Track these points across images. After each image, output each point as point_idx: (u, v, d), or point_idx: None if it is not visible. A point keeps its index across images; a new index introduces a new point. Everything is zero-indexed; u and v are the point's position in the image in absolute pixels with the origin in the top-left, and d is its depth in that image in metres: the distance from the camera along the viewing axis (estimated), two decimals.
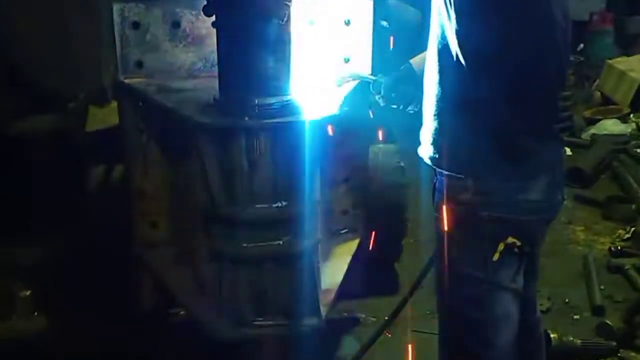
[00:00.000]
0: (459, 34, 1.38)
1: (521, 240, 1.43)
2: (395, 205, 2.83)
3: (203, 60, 2.36)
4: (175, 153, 2.19)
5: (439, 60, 1.46)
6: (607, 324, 2.52)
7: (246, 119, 1.77)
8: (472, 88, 1.40)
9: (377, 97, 1.86)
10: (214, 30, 2.27)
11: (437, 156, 1.50)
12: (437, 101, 1.47)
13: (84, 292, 2.84)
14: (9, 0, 6.08)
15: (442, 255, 1.52)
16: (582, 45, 8.17)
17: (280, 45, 1.79)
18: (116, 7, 2.26)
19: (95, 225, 2.75)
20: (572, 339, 2.43)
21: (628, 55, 7.00)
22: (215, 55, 1.99)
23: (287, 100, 1.82)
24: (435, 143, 1.49)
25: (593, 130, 5.16)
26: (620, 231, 3.55)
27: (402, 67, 1.83)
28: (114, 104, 3.02)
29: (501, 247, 1.41)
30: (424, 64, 1.72)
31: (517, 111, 1.43)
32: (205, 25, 2.32)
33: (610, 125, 5.14)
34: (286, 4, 1.76)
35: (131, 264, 2.42)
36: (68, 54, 6.12)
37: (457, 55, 1.40)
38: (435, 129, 1.48)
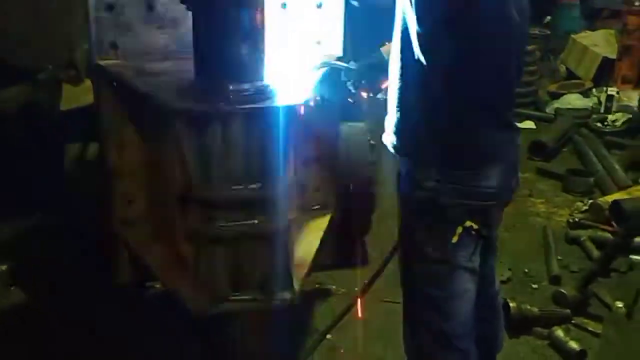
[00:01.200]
0: (419, 35, 1.46)
1: (478, 224, 1.55)
2: (364, 181, 2.93)
3: (177, 42, 2.41)
4: (151, 134, 2.25)
5: (401, 57, 1.54)
6: (562, 292, 2.68)
7: (221, 104, 1.84)
8: (431, 84, 1.50)
9: (348, 83, 1.94)
10: (189, 13, 2.34)
11: (399, 145, 1.60)
12: (399, 94, 1.56)
13: (60, 267, 2.91)
14: None
15: (405, 236, 1.63)
16: (548, 17, 8.31)
17: (255, 32, 1.85)
18: None
19: (72, 201, 2.80)
20: (529, 307, 2.59)
21: (593, 30, 7.16)
22: (189, 38, 2.05)
23: (261, 86, 1.89)
24: (398, 133, 1.59)
25: (557, 104, 5.32)
26: (578, 203, 3.72)
27: (372, 55, 1.91)
28: (88, 82, 3.05)
29: (459, 230, 1.52)
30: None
31: (475, 104, 1.52)
32: (180, 8, 2.33)
33: (574, 100, 5.31)
34: None
35: (108, 239, 2.50)
36: (37, 25, 6.05)
37: (417, 55, 1.48)
38: (398, 120, 1.58)
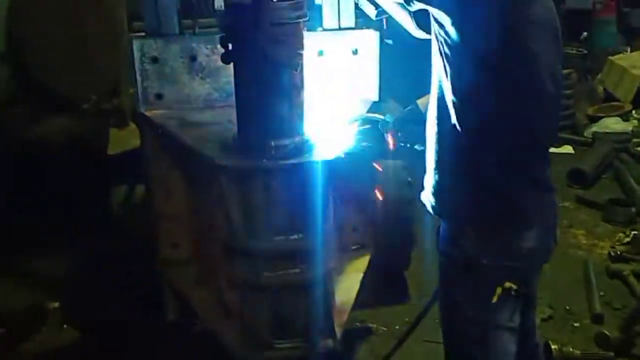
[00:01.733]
0: (455, 105, 1.51)
1: (517, 284, 1.56)
2: (404, 219, 2.96)
3: (219, 91, 2.50)
4: (196, 184, 2.33)
5: (438, 122, 1.58)
6: (604, 334, 2.65)
7: (264, 160, 1.91)
8: (466, 149, 1.54)
9: (385, 135, 1.98)
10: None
11: (437, 206, 1.63)
12: (437, 157, 1.60)
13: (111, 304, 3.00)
14: (25, 8, 6.21)
15: (444, 295, 1.65)
16: (585, 34, 8.25)
17: (294, 90, 1.92)
18: (136, 44, 2.39)
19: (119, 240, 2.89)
20: (571, 349, 2.57)
21: (631, 47, 7.08)
22: (229, 86, 2.13)
23: (300, 141, 1.95)
24: (436, 194, 1.63)
25: (595, 128, 5.26)
26: (620, 234, 3.67)
27: (408, 108, 1.96)
28: (133, 126, 3.17)
29: (499, 291, 1.54)
30: (427, 103, 1.84)
31: (510, 168, 1.55)
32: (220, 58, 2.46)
33: (612, 123, 5.24)
34: (299, 54, 1.88)
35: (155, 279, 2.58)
36: (82, 56, 6.27)
37: (453, 121, 1.52)
38: (436, 182, 1.62)
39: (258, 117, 1.92)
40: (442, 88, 1.54)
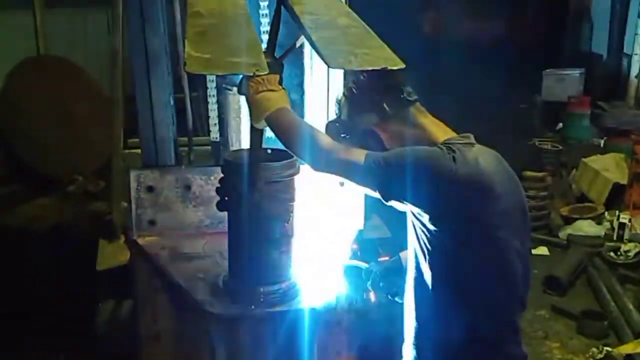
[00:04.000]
0: (432, 269, 1.62)
1: None
2: None
3: (210, 218, 2.60)
4: (184, 320, 2.39)
5: (415, 291, 1.70)
6: None
7: (252, 307, 2.00)
8: (442, 324, 1.64)
9: (367, 283, 2.08)
10: None
11: None
12: (415, 333, 1.71)
13: None
14: (13, 91, 6.34)
15: None
16: (560, 124, 8.62)
17: (285, 239, 2.03)
18: (133, 174, 2.50)
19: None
20: None
21: (604, 143, 7.39)
22: (221, 214, 2.22)
23: (288, 286, 2.05)
24: None
25: (569, 230, 5.43)
26: (593, 349, 3.76)
27: (391, 259, 2.06)
28: (122, 239, 3.24)
29: None
30: None
31: (484, 345, 1.66)
32: (214, 188, 2.57)
33: (586, 226, 5.42)
34: (291, 207, 2.01)
35: None
36: (68, 136, 6.36)
37: (431, 286, 1.64)
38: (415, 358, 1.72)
39: (249, 264, 2.02)
40: (418, 263, 1.66)
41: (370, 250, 2.71)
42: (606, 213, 5.70)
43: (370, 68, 1.52)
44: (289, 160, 1.97)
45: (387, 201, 1.61)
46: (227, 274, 2.11)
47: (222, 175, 2.03)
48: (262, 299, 2.01)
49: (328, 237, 2.43)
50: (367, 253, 2.54)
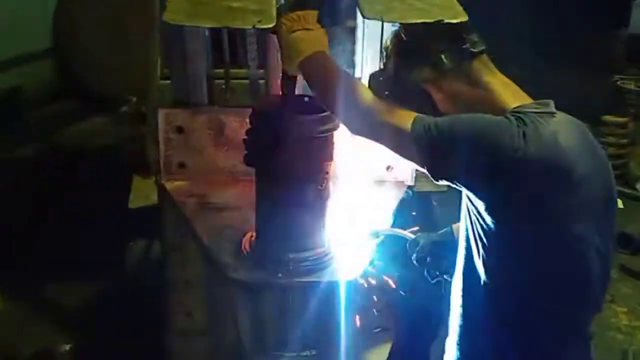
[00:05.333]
0: (488, 287, 1.34)
1: None
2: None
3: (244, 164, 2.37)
4: (212, 272, 2.21)
5: (464, 285, 1.42)
6: None
7: (279, 275, 1.78)
8: (498, 309, 1.36)
9: (412, 257, 1.82)
10: None
11: None
12: (460, 333, 1.44)
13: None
14: (72, 7, 6.20)
15: None
16: None
17: (318, 205, 1.77)
18: (162, 113, 2.28)
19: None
20: None
21: None
22: None
23: (320, 255, 1.81)
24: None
25: None
26: None
27: (442, 231, 1.78)
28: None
29: None
30: None
31: (545, 329, 1.38)
32: None
33: None
34: (326, 169, 1.74)
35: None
36: (124, 57, 6.24)
37: (484, 280, 1.35)
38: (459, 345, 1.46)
39: (277, 229, 1.79)
40: (469, 254, 1.38)
41: (422, 212, 2.44)
42: None
43: (418, 20, 1.19)
44: (326, 113, 1.68)
45: (436, 180, 1.32)
46: (255, 233, 1.90)
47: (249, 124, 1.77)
48: (290, 267, 1.78)
49: (370, 197, 2.15)
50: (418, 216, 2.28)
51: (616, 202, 1.40)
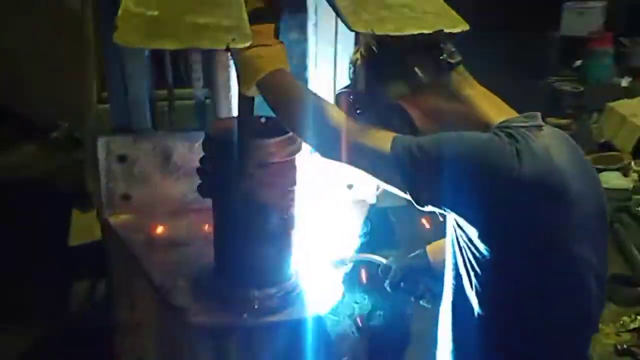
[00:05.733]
0: (481, 317, 1.22)
1: None
2: None
3: (195, 192, 2.17)
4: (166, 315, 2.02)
5: (454, 316, 1.30)
6: None
7: (245, 316, 1.61)
8: (493, 340, 1.25)
9: (385, 283, 1.69)
10: None
11: None
12: (453, 357, 1.32)
13: None
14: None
15: None
16: (579, 62, 8.02)
17: (283, 232, 1.62)
18: (101, 141, 2.08)
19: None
20: None
21: (631, 85, 6.84)
22: None
23: (287, 290, 1.66)
24: None
25: None
26: (625, 318, 3.43)
27: (415, 253, 1.66)
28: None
29: None
30: (441, 256, 1.57)
31: (544, 355, 1.28)
32: (198, 157, 2.15)
33: (612, 179, 4.99)
34: (291, 193, 1.59)
35: None
36: (53, 80, 5.90)
37: (478, 312, 1.24)
38: None
39: (239, 262, 1.63)
40: (459, 283, 1.25)
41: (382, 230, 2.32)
42: (633, 163, 5.27)
43: (415, 31, 1.05)
44: (288, 135, 1.54)
45: (421, 206, 1.19)
46: (214, 269, 1.72)
47: (202, 152, 1.61)
48: (256, 305, 1.62)
49: (335, 222, 2.01)
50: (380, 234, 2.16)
51: (606, 217, 1.31)
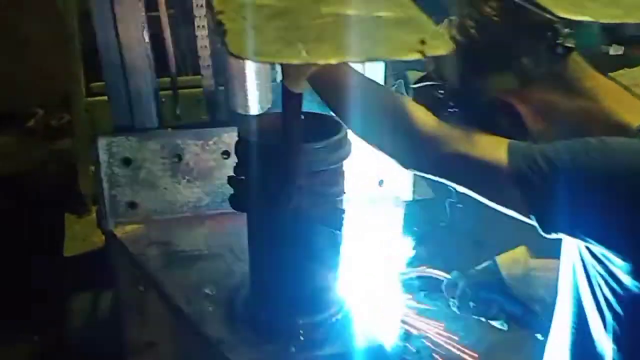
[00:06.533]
0: (619, 336, 0.98)
1: None
2: None
3: (210, 195, 1.93)
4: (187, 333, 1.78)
5: (575, 355, 1.06)
6: None
7: (292, 349, 1.37)
8: None
9: (450, 302, 1.46)
10: (224, 162, 1.87)
11: None
12: None
13: None
14: None
15: None
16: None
17: (333, 251, 1.38)
18: (102, 142, 1.80)
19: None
20: None
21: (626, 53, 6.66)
22: (224, 189, 1.67)
23: (337, 316, 1.42)
24: None
25: None
26: None
27: (484, 266, 1.43)
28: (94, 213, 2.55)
29: None
30: (513, 266, 1.35)
31: None
32: (212, 157, 1.89)
33: None
34: (340, 202, 1.34)
35: None
36: (26, 66, 5.51)
37: (610, 357, 1.01)
38: None
39: (282, 288, 1.38)
40: (583, 322, 1.02)
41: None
42: None
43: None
44: (337, 136, 1.29)
45: (548, 233, 0.95)
46: (248, 290, 1.48)
47: (235, 159, 1.35)
48: (301, 337, 1.38)
49: (378, 229, 1.76)
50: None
51: None
